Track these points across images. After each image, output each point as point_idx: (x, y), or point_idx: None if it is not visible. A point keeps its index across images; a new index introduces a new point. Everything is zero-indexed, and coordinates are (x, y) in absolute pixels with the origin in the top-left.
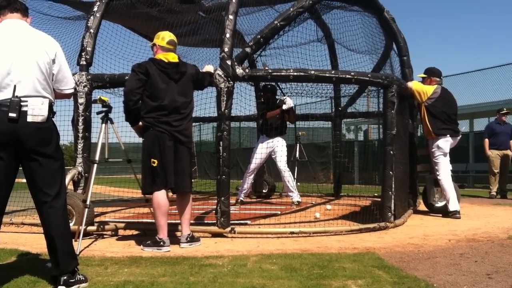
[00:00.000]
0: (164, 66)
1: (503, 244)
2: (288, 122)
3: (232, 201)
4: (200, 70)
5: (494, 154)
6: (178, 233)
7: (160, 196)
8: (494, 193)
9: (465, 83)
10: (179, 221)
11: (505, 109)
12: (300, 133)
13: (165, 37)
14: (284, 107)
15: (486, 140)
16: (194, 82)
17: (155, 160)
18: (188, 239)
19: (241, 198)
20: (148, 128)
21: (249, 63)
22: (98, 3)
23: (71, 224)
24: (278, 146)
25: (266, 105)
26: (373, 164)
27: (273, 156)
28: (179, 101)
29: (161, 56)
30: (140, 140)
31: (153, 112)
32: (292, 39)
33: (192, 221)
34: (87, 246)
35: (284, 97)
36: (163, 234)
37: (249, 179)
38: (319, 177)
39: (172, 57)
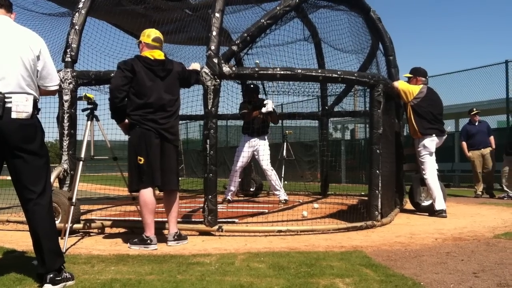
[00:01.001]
0: (150, 63)
1: (489, 243)
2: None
3: (219, 199)
4: (187, 68)
5: (475, 155)
6: (165, 231)
7: (147, 194)
8: (480, 193)
9: (451, 83)
10: (166, 219)
11: (474, 109)
12: (287, 131)
13: (150, 34)
14: (263, 110)
15: (464, 143)
16: (180, 79)
17: (142, 158)
18: (176, 237)
19: (229, 198)
20: (134, 126)
21: (235, 61)
22: (83, 0)
23: (57, 222)
24: (260, 146)
25: (253, 105)
26: (360, 163)
27: (256, 156)
28: (166, 99)
29: (147, 53)
30: (126, 137)
31: (139, 110)
32: (278, 38)
33: (179, 219)
34: (73, 244)
35: (266, 101)
36: (150, 232)
37: (235, 179)
38: (306, 176)
39: (158, 55)
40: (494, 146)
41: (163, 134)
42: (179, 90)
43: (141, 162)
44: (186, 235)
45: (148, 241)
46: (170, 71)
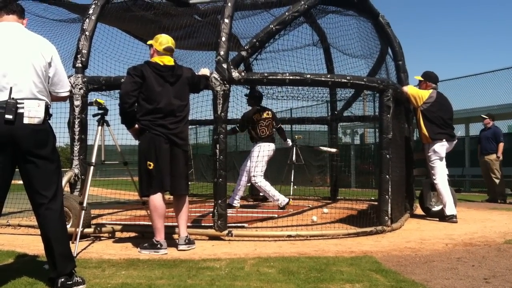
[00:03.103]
0: (160, 69)
1: (500, 249)
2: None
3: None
4: (196, 73)
5: (480, 161)
6: (175, 236)
7: (157, 199)
8: (487, 197)
9: (461, 88)
10: (176, 224)
11: (482, 115)
12: (296, 136)
13: (163, 42)
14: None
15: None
16: (190, 85)
17: (151, 163)
18: (186, 241)
19: (236, 204)
20: (144, 131)
21: (245, 67)
22: (93, 6)
23: (68, 226)
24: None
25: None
26: (370, 167)
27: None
28: (175, 104)
29: (157, 59)
30: (137, 142)
31: (149, 115)
32: (287, 43)
33: (189, 224)
34: (84, 248)
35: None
36: (160, 236)
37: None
38: (316, 181)
39: (168, 60)
40: (499, 154)
41: (172, 139)
42: (188, 95)
43: (151, 167)
44: (194, 239)
45: (158, 245)
46: (180, 77)
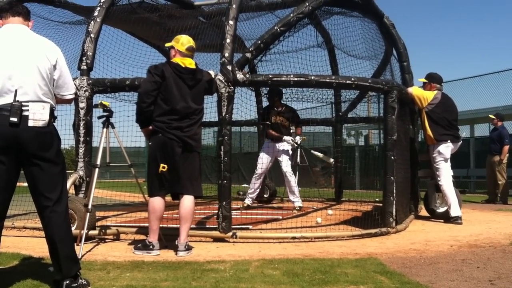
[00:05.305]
0: (181, 70)
1: (505, 250)
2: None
3: (235, 205)
4: None
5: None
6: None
7: (157, 201)
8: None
9: (466, 89)
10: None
11: (490, 115)
12: (300, 138)
13: (184, 42)
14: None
15: None
16: (206, 88)
17: (161, 165)
18: (186, 247)
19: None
20: (157, 133)
21: (249, 68)
22: (98, 8)
23: (72, 228)
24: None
25: (275, 109)
26: (374, 169)
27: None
28: (192, 107)
29: (178, 60)
30: (141, 144)
31: (164, 116)
32: (292, 45)
33: (193, 226)
34: (89, 251)
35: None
36: (153, 237)
37: (257, 183)
38: (320, 182)
39: (189, 63)
40: (502, 156)
41: (186, 141)
42: (204, 99)
43: (162, 170)
44: (198, 241)
45: (151, 246)
46: (199, 81)
